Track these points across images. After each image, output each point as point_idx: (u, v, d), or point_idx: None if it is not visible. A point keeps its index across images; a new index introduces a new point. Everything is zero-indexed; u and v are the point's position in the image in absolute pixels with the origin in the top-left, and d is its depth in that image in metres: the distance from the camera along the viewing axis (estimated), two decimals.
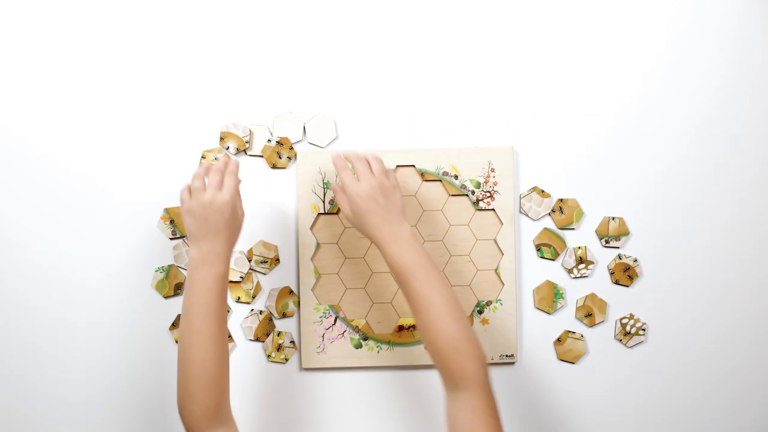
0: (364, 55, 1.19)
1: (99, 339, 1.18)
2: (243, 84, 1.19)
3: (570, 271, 1.19)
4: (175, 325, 1.18)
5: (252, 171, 1.19)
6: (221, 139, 1.18)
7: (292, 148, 1.18)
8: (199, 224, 1.02)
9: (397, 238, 1.03)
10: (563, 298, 1.19)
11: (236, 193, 1.05)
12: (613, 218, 1.19)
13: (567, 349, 1.19)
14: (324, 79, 1.19)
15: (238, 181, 1.06)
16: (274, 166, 1.18)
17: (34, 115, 1.18)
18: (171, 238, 1.18)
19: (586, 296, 1.19)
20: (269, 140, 1.18)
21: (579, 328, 1.19)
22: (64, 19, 1.18)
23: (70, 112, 1.19)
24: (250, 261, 1.18)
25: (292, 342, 1.18)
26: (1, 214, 1.18)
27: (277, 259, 1.19)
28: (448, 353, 0.98)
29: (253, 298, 1.18)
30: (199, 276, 1.01)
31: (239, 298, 1.18)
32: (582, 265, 1.19)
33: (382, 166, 1.09)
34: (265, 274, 1.19)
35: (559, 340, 1.19)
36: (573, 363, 1.19)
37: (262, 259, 1.18)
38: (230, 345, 1.18)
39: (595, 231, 1.19)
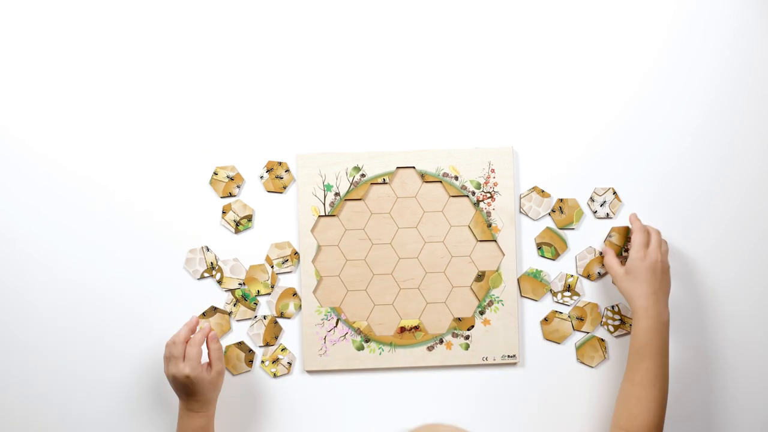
0: (364, 57, 1.19)
1: (99, 340, 1.18)
2: (246, 90, 1.19)
3: (554, 295, 1.20)
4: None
5: (252, 173, 1.19)
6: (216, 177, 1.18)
7: (288, 171, 1.19)
8: (173, 387, 1.11)
9: (659, 316, 1.10)
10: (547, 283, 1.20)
11: (197, 363, 1.10)
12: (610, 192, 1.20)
13: (553, 329, 1.20)
14: (324, 80, 1.19)
15: (199, 350, 1.10)
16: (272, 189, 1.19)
17: (34, 115, 1.18)
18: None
19: (588, 303, 1.20)
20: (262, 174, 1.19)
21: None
22: (64, 20, 1.18)
23: (70, 113, 1.18)
24: (272, 267, 1.18)
25: (290, 363, 1.19)
26: (1, 214, 1.18)
27: (296, 253, 1.19)
28: (640, 428, 1.08)
29: (272, 287, 1.19)
30: (183, 423, 1.12)
31: (259, 291, 1.19)
32: (567, 293, 1.20)
33: (667, 247, 1.17)
34: (292, 272, 1.19)
35: (546, 319, 1.20)
36: (558, 343, 1.19)
37: (282, 259, 1.18)
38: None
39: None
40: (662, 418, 1.09)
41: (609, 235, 1.18)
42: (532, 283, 1.19)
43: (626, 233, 1.19)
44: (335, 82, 1.19)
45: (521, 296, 1.19)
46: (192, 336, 1.12)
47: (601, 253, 1.19)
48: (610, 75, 1.20)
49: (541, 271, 1.19)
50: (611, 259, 1.15)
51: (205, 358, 1.12)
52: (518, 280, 1.19)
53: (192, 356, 1.09)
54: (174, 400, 1.17)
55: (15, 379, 1.18)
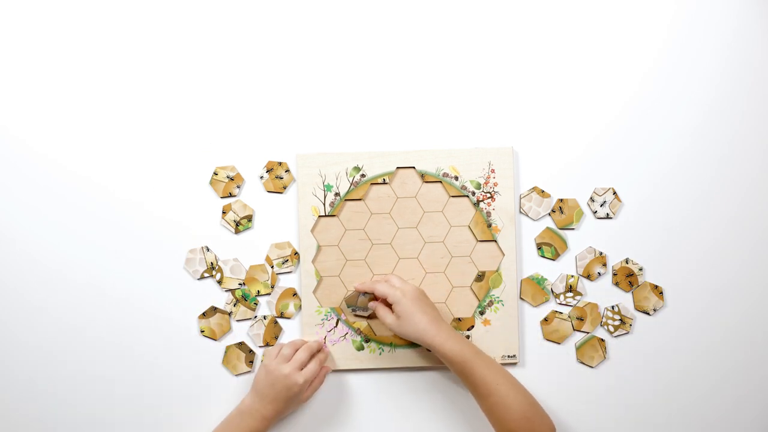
0: (364, 57, 1.19)
1: (99, 340, 1.18)
2: (246, 90, 1.19)
3: (557, 296, 1.20)
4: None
5: (251, 173, 1.19)
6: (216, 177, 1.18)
7: (288, 171, 1.19)
8: (266, 384, 1.11)
9: (450, 333, 1.09)
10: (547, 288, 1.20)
11: (311, 380, 1.12)
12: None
13: (553, 329, 1.19)
14: (324, 81, 1.19)
15: (319, 370, 1.14)
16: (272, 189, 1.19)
17: (34, 115, 1.18)
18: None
19: (588, 303, 1.20)
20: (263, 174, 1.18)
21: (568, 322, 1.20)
22: (64, 21, 1.18)
23: (70, 113, 1.19)
24: (272, 267, 1.18)
25: None
26: (1, 214, 1.18)
27: (296, 253, 1.19)
28: (518, 422, 1.06)
29: (272, 287, 1.19)
30: (240, 420, 1.11)
31: (259, 291, 1.19)
32: (570, 294, 1.19)
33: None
34: (292, 272, 1.19)
35: (546, 319, 1.20)
36: (558, 343, 1.19)
37: (282, 259, 1.18)
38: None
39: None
40: (526, 396, 1.09)
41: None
42: (534, 289, 1.19)
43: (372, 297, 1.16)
44: (335, 82, 1.19)
45: (520, 298, 1.20)
46: (318, 351, 1.15)
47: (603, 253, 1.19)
48: (610, 75, 1.20)
49: (545, 279, 1.19)
50: (382, 311, 1.12)
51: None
52: (521, 281, 1.19)
53: (310, 370, 1.12)
54: (175, 401, 1.17)
55: (15, 379, 1.18)
